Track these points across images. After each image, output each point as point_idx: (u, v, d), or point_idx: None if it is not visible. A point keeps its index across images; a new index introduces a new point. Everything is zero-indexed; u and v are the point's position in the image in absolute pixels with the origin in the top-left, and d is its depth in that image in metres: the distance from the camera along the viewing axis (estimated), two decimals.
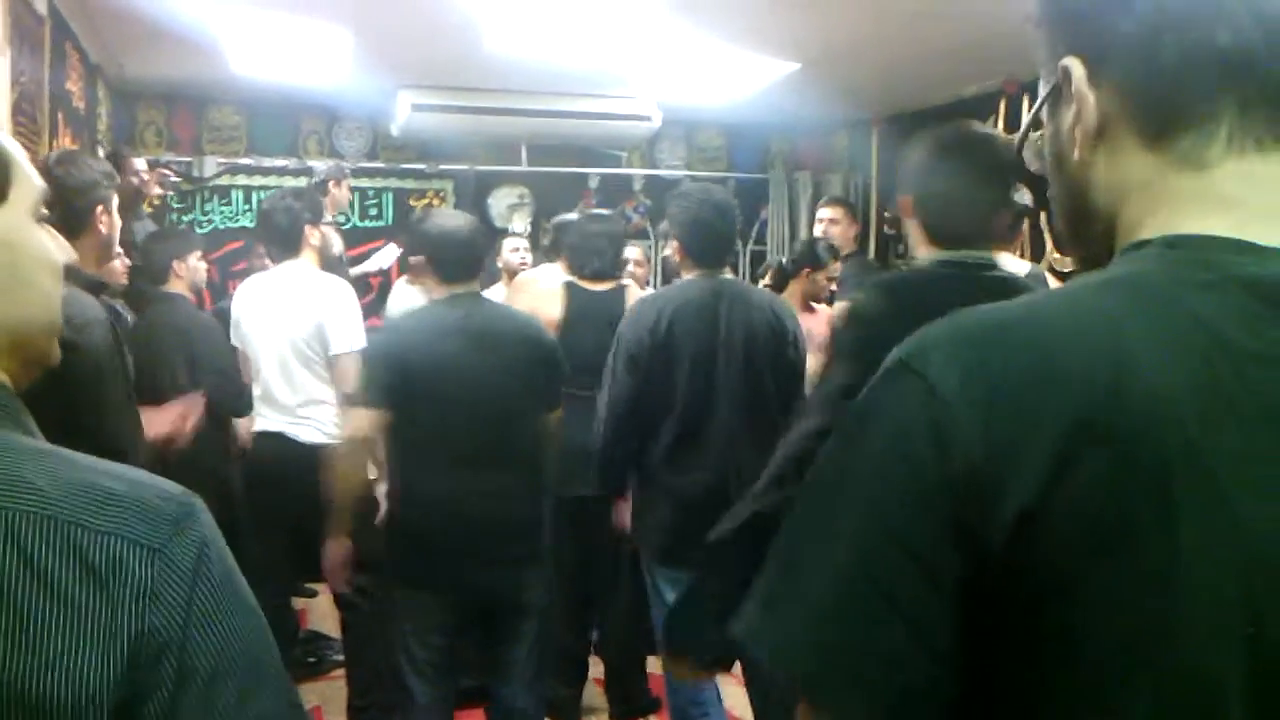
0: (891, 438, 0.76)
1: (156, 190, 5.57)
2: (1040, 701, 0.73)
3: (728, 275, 3.20)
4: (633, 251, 4.63)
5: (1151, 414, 0.70)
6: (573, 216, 4.26)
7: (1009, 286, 2.16)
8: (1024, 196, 3.55)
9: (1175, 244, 0.78)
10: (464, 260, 2.90)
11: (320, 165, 6.39)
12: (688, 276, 3.12)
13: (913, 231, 2.20)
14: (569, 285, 3.74)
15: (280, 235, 3.60)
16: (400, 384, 2.81)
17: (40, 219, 0.89)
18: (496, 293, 4.28)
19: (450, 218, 3.02)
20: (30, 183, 0.87)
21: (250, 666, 0.78)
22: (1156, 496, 0.69)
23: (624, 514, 3.28)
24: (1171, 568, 0.69)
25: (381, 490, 3.32)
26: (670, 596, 3.07)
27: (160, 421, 2.97)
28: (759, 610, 0.80)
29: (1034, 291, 2.14)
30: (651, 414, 2.98)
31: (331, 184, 5.63)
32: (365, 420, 2.86)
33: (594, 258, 3.77)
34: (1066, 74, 0.83)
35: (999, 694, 0.75)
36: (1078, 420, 0.70)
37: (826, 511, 0.78)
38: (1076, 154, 0.84)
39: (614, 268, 3.86)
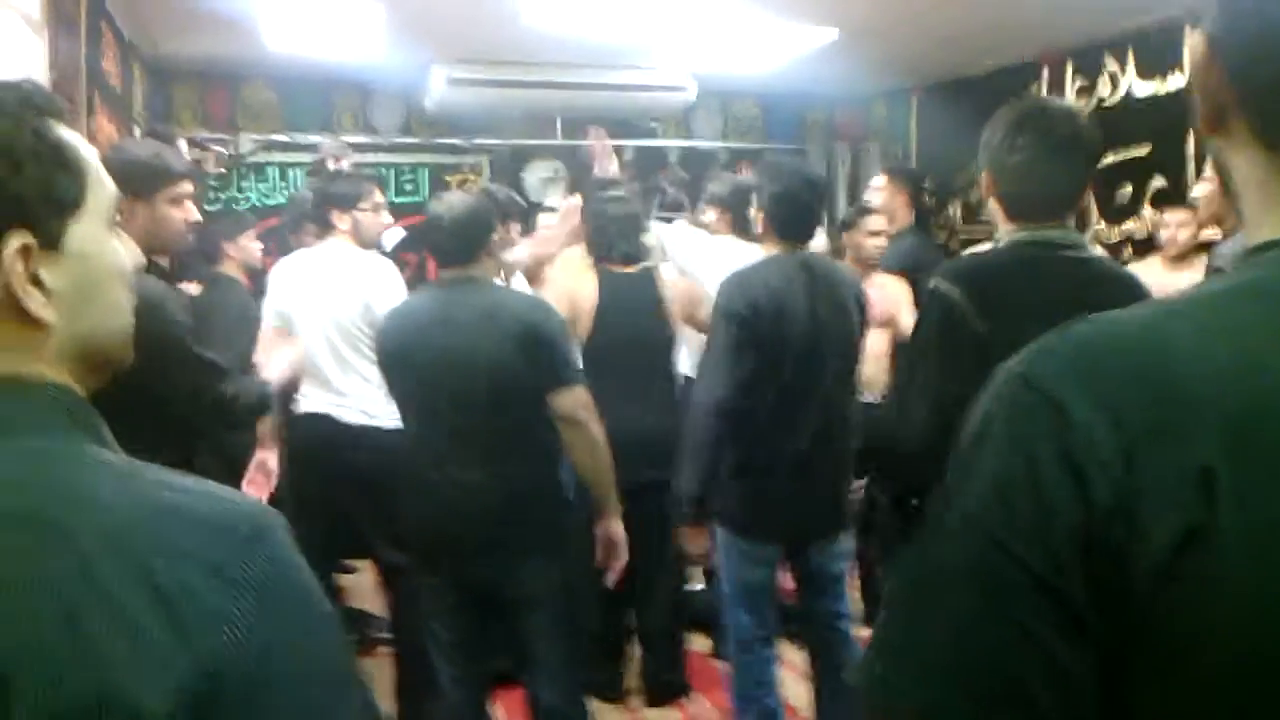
0: (1015, 464, 0.70)
1: (212, 169, 5.59)
2: None
3: (809, 251, 3.16)
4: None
5: None
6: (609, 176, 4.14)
7: (1093, 269, 2.13)
8: None
9: None
10: (453, 245, 2.82)
11: (356, 139, 6.36)
12: (770, 251, 3.06)
13: (993, 208, 2.17)
14: (600, 269, 3.69)
15: (327, 215, 3.63)
16: (394, 371, 2.85)
17: (112, 223, 0.86)
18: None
19: (449, 200, 2.93)
20: (105, 188, 0.84)
21: (327, 692, 0.74)
22: None
23: (699, 539, 3.13)
24: None
25: None
26: (747, 573, 3.05)
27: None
28: (880, 659, 0.75)
29: (1128, 282, 2.11)
30: (754, 388, 2.91)
31: (330, 162, 5.54)
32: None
33: (619, 241, 3.71)
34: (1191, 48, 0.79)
35: None
36: (1214, 448, 0.65)
37: (948, 551, 0.73)
38: (1201, 128, 0.80)
39: (639, 250, 3.80)
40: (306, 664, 0.73)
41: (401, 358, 2.82)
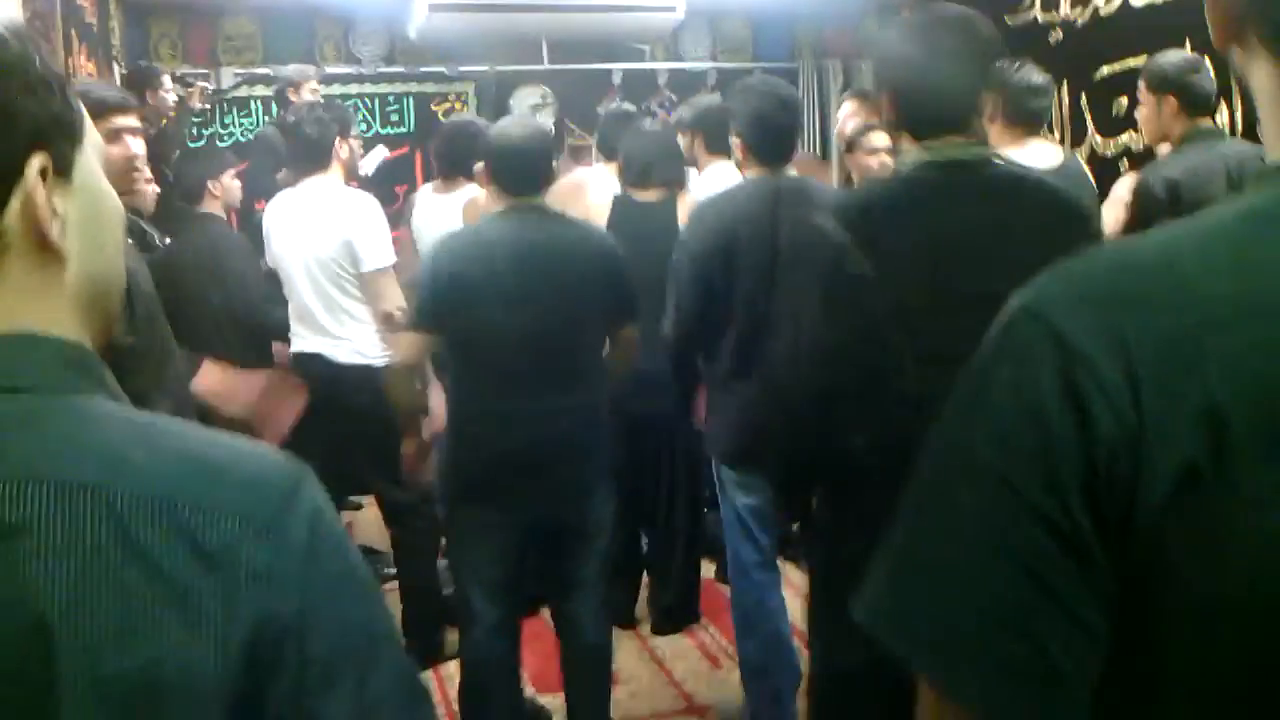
0: (1019, 396, 0.69)
1: (197, 104, 5.49)
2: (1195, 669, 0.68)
3: (792, 172, 3.10)
4: None
5: None
6: (624, 109, 4.08)
7: (1025, 185, 2.04)
8: (1038, 78, 3.40)
9: None
10: (526, 171, 2.73)
11: (339, 70, 6.26)
12: (750, 174, 3.02)
13: (896, 131, 2.08)
14: (617, 200, 3.62)
15: (309, 148, 3.49)
16: (454, 305, 2.67)
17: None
18: None
19: (513, 125, 2.82)
20: (93, 130, 0.82)
21: (368, 645, 0.73)
22: None
23: (699, 409, 3.21)
24: None
25: (433, 406, 3.31)
26: (740, 500, 3.07)
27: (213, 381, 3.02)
28: (882, 588, 0.75)
29: (1079, 192, 2.04)
30: (717, 321, 2.91)
31: (290, 91, 5.42)
32: (414, 345, 2.79)
33: (652, 169, 3.65)
34: None
35: (1138, 674, 0.70)
36: (1228, 383, 0.64)
37: (951, 482, 0.73)
38: (1215, 41, 0.76)
39: (680, 180, 3.74)
40: (349, 618, 0.73)
41: (477, 291, 2.67)
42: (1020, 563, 0.68)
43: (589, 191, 3.85)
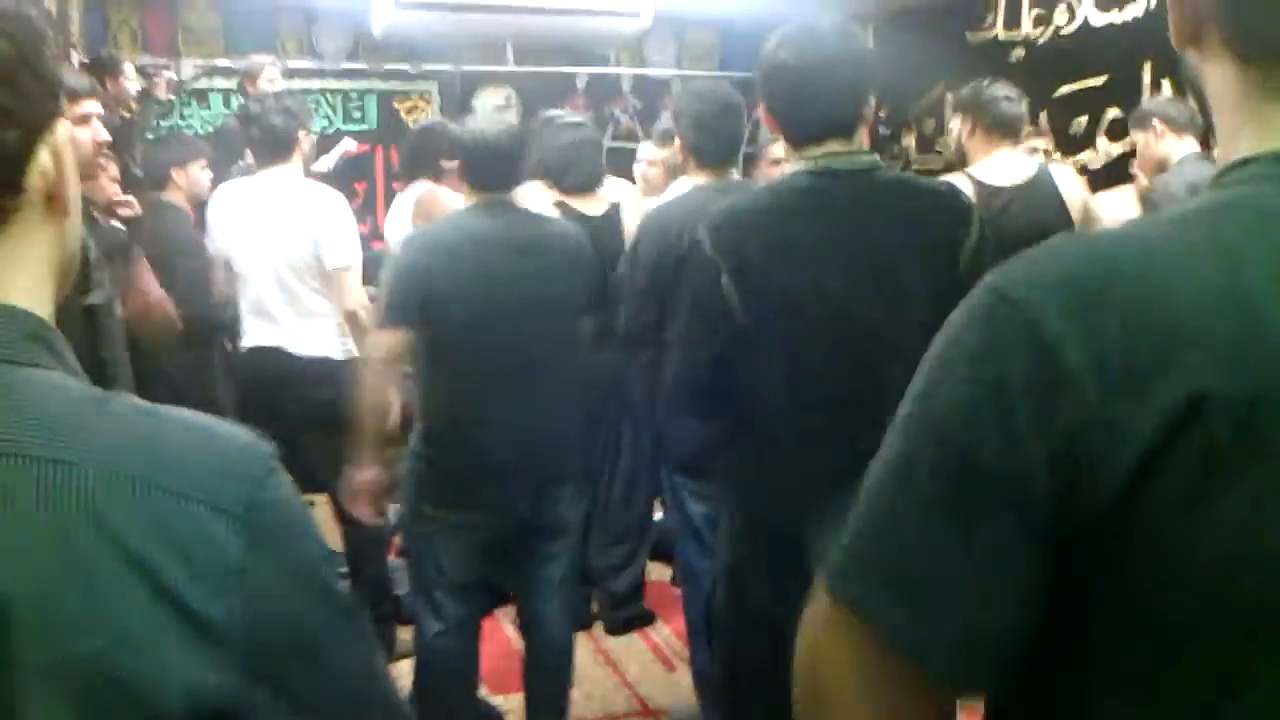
0: (985, 382, 0.70)
1: (163, 95, 5.42)
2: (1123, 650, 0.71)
3: (735, 177, 3.10)
4: (646, 151, 4.40)
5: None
6: (556, 113, 4.02)
7: (878, 192, 2.05)
8: (1008, 88, 3.47)
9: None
10: (499, 167, 2.71)
11: (300, 64, 6.20)
12: (694, 180, 3.01)
13: (782, 142, 2.12)
14: (563, 210, 3.56)
15: (276, 139, 3.44)
16: (428, 300, 2.63)
17: None
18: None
19: (488, 121, 2.80)
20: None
21: (337, 617, 0.74)
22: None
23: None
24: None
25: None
26: (693, 508, 3.07)
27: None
28: (842, 552, 0.77)
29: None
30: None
31: (247, 82, 5.34)
32: (389, 341, 2.71)
33: (573, 168, 3.59)
34: None
35: (1073, 650, 0.73)
36: (1201, 377, 0.65)
37: (914, 453, 0.74)
38: (1175, 41, 0.78)
39: (598, 176, 3.71)
40: (319, 599, 0.73)
41: (455, 287, 2.63)
42: (974, 531, 0.70)
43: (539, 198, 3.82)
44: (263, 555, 0.68)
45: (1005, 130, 3.44)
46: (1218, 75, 0.75)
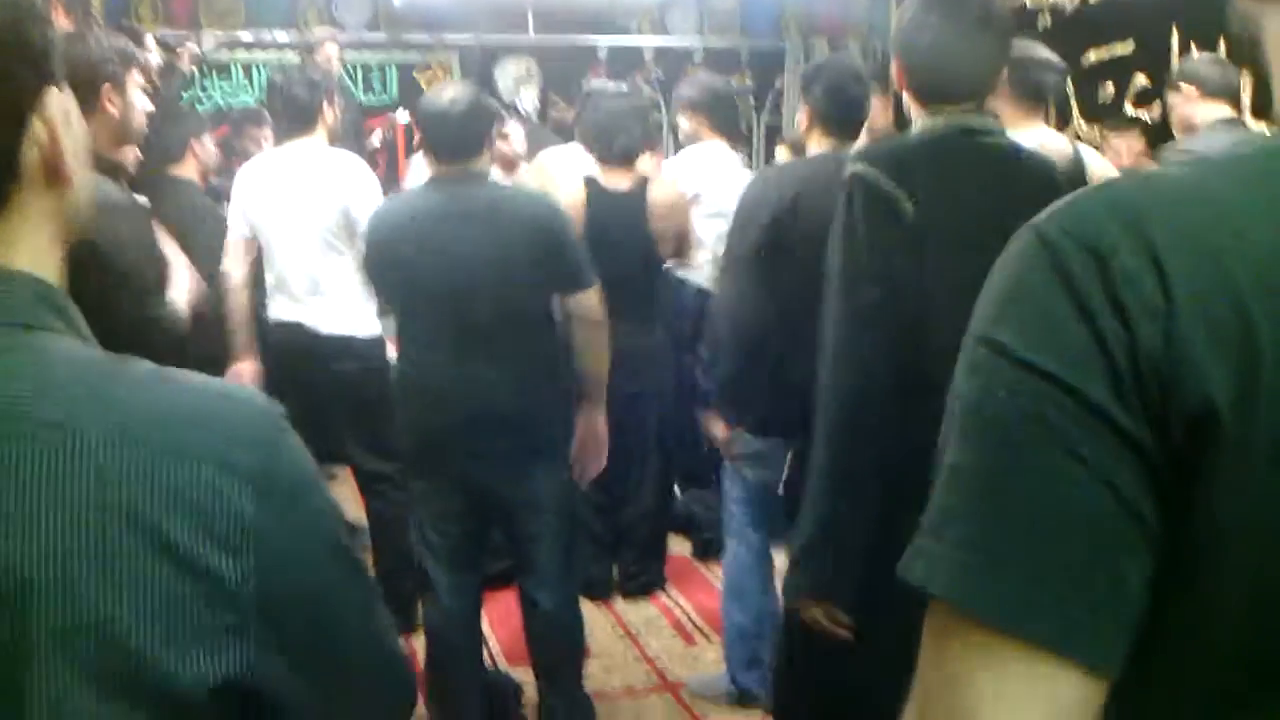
0: (1060, 304, 0.64)
1: (187, 67, 5.43)
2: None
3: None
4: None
5: None
6: (605, 85, 4.02)
7: (1014, 156, 2.03)
8: (1046, 52, 3.35)
9: None
10: (456, 138, 2.68)
11: (319, 34, 6.18)
12: (818, 150, 2.94)
13: (908, 100, 2.07)
14: (590, 186, 3.56)
15: (299, 109, 3.43)
16: (387, 271, 2.72)
17: None
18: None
19: (445, 91, 2.76)
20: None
21: (343, 574, 0.76)
22: None
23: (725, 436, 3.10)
24: None
25: None
26: (749, 473, 3.06)
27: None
28: (927, 540, 0.67)
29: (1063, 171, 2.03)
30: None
31: (308, 56, 5.40)
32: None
33: (620, 135, 3.57)
34: None
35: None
36: (1266, 302, 0.60)
37: (985, 419, 0.66)
38: None
39: (640, 147, 3.69)
40: (331, 559, 0.74)
41: (405, 259, 2.68)
42: (1075, 457, 0.62)
43: (558, 175, 3.80)
44: (275, 515, 0.68)
45: (1031, 100, 3.25)
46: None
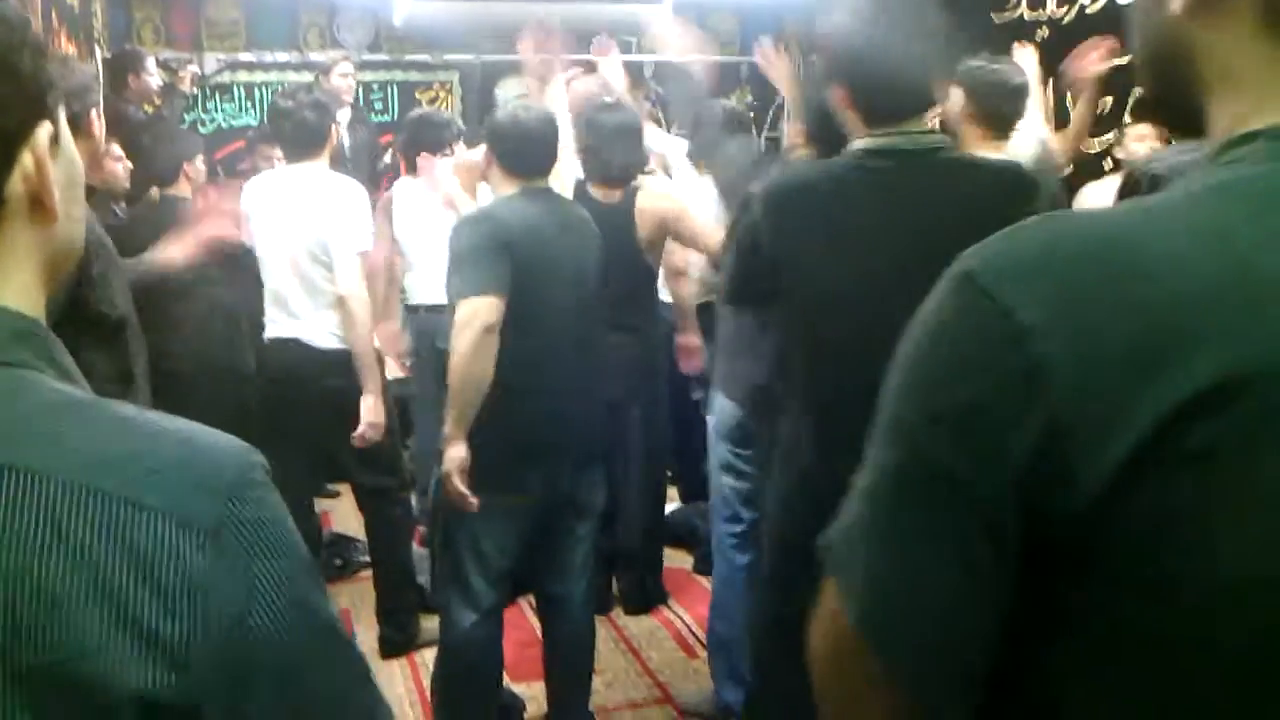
0: (957, 377, 0.67)
1: (188, 89, 5.48)
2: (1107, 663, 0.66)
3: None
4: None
5: None
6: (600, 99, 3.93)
7: (946, 177, 1.99)
8: (1017, 78, 3.29)
9: None
10: (542, 154, 2.79)
11: (320, 58, 6.22)
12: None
13: (850, 122, 2.03)
14: (579, 195, 3.51)
15: (308, 134, 3.45)
16: (510, 272, 2.62)
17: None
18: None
19: (525, 108, 2.85)
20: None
21: (315, 641, 0.71)
22: None
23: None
24: None
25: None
26: (730, 481, 3.12)
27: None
28: (836, 539, 0.75)
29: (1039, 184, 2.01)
30: None
31: (322, 78, 5.45)
32: (489, 308, 2.59)
33: (617, 156, 3.56)
34: None
35: (1046, 661, 0.69)
36: (1199, 369, 0.60)
37: (892, 450, 0.71)
38: (1170, 12, 0.71)
39: (639, 163, 3.68)
40: (296, 623, 0.69)
41: (527, 263, 2.64)
42: (943, 537, 0.68)
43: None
44: (230, 572, 0.66)
45: (996, 128, 3.19)
46: (1235, 46, 0.69)
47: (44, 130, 0.73)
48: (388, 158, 5.97)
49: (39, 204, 0.73)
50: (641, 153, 3.73)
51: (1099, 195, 3.63)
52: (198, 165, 3.88)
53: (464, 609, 2.80)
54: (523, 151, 2.77)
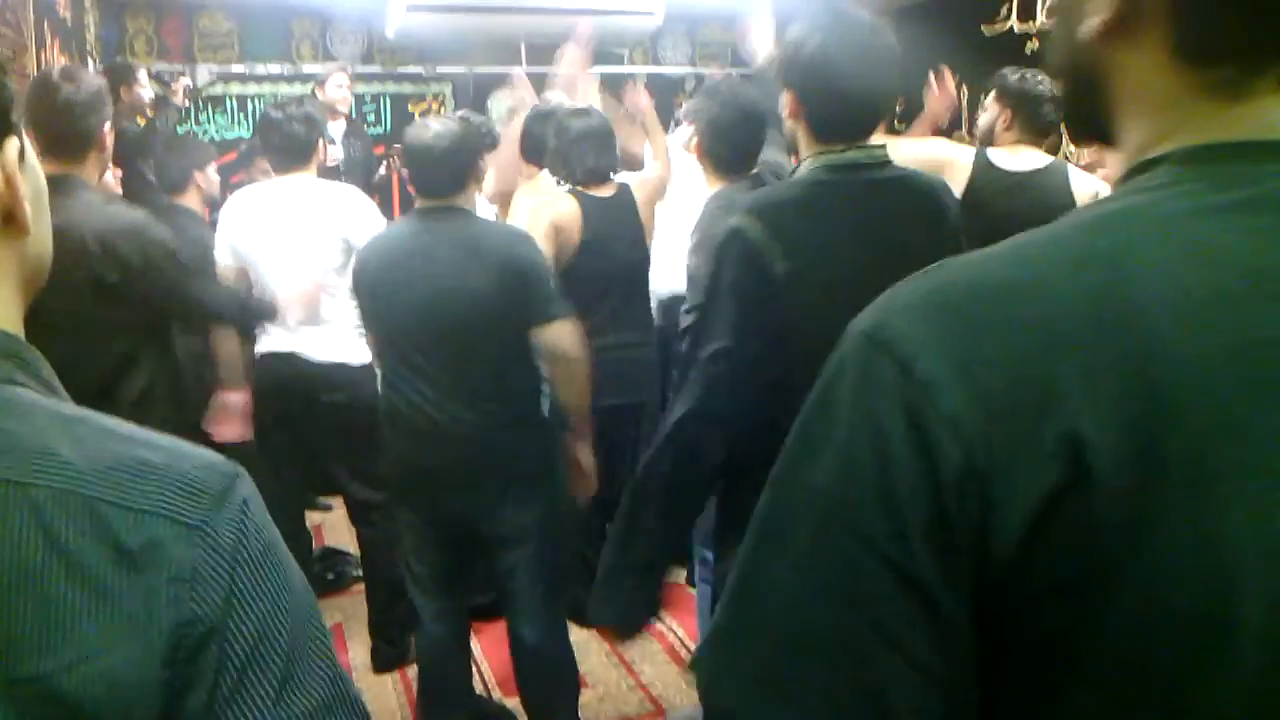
0: (859, 433, 0.64)
1: (180, 101, 5.50)
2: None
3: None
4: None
5: (1181, 387, 0.58)
6: (541, 108, 3.90)
7: (894, 191, 2.00)
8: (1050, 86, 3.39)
9: (1195, 157, 0.65)
10: (438, 175, 2.68)
11: (316, 69, 6.23)
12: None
13: (800, 134, 2.03)
14: (579, 196, 3.55)
15: (298, 146, 3.45)
16: (366, 300, 2.75)
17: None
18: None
19: (427, 126, 2.73)
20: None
21: (295, 648, 0.71)
22: (1193, 485, 0.58)
23: None
24: (1218, 556, 0.58)
25: None
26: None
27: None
28: (711, 646, 0.70)
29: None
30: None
31: (318, 89, 5.47)
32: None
33: (586, 157, 3.56)
34: None
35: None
36: (1092, 404, 0.59)
37: (786, 530, 0.67)
38: (1085, 34, 0.70)
39: (609, 165, 3.65)
40: (278, 628, 0.70)
41: (381, 291, 2.70)
42: (860, 609, 0.62)
43: (546, 195, 3.78)
44: (215, 575, 0.67)
45: (1039, 133, 3.40)
46: (1147, 73, 0.68)
47: (11, 145, 0.74)
48: (383, 169, 5.97)
49: (11, 218, 0.74)
50: (611, 155, 3.69)
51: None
52: (209, 174, 3.89)
53: (415, 617, 2.98)
54: (415, 171, 2.73)
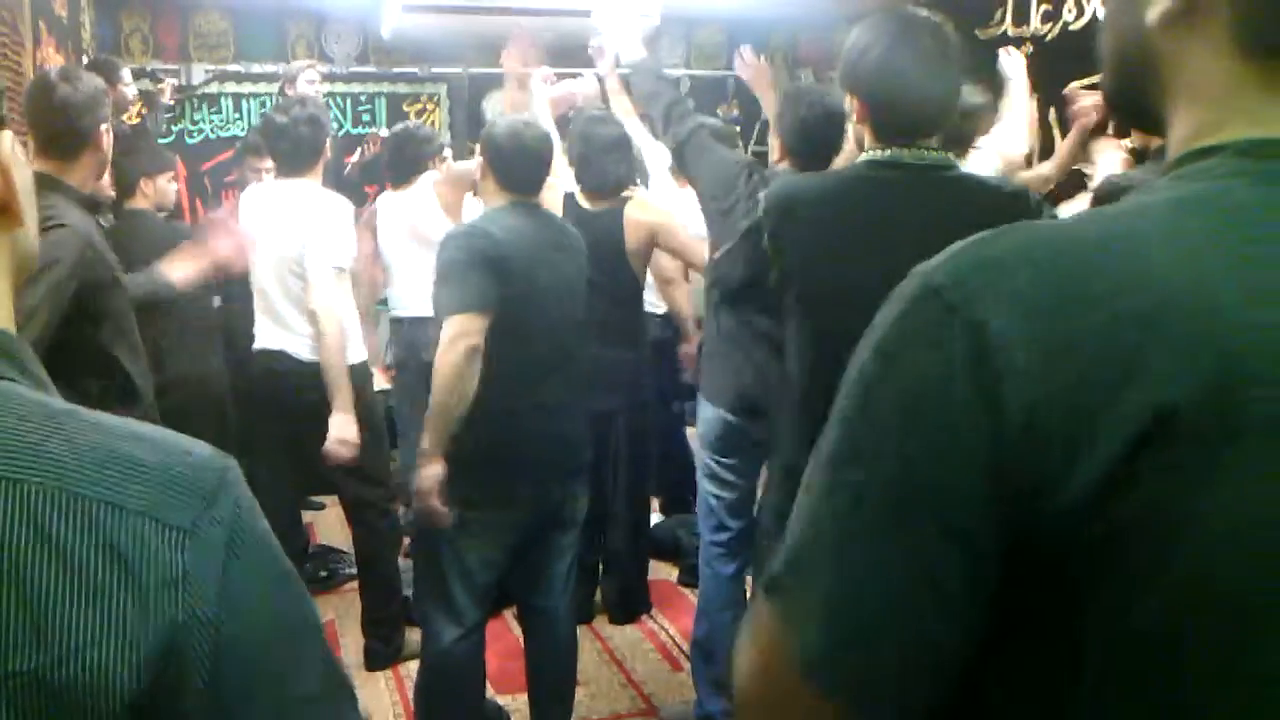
0: (924, 387, 0.65)
1: (168, 99, 5.47)
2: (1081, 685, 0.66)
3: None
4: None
5: (1257, 355, 0.61)
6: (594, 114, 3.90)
7: (947, 191, 2.03)
8: (976, 99, 3.34)
9: (1257, 150, 0.67)
10: (536, 171, 2.78)
11: (297, 65, 6.21)
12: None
13: (866, 135, 2.07)
14: (568, 203, 3.58)
15: (305, 149, 3.44)
16: (499, 289, 2.62)
17: None
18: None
19: (519, 124, 2.80)
20: None
21: (289, 644, 0.72)
22: (1269, 437, 0.61)
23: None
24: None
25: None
26: (716, 491, 3.18)
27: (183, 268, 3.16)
28: (784, 569, 0.72)
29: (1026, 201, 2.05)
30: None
31: (287, 86, 5.42)
32: (473, 327, 2.59)
33: (611, 168, 3.60)
34: None
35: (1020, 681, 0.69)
36: (1167, 388, 0.61)
37: (852, 468, 0.69)
38: (1148, 21, 0.72)
39: (632, 174, 3.69)
40: (271, 624, 0.71)
41: (516, 279, 2.65)
42: (916, 566, 0.66)
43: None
44: (206, 570, 0.67)
45: (952, 147, 3.33)
46: (1204, 61, 0.70)
47: (6, 136, 0.74)
48: (354, 159, 5.96)
49: (6, 209, 0.75)
50: (630, 166, 3.75)
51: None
52: (158, 184, 3.82)
53: (447, 624, 2.79)
54: (518, 167, 2.76)
